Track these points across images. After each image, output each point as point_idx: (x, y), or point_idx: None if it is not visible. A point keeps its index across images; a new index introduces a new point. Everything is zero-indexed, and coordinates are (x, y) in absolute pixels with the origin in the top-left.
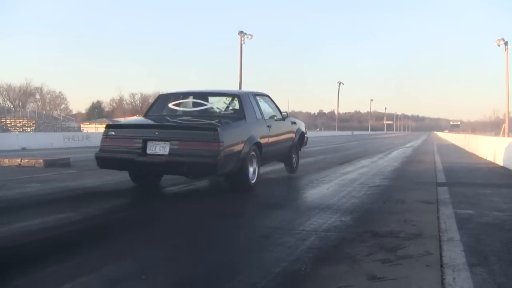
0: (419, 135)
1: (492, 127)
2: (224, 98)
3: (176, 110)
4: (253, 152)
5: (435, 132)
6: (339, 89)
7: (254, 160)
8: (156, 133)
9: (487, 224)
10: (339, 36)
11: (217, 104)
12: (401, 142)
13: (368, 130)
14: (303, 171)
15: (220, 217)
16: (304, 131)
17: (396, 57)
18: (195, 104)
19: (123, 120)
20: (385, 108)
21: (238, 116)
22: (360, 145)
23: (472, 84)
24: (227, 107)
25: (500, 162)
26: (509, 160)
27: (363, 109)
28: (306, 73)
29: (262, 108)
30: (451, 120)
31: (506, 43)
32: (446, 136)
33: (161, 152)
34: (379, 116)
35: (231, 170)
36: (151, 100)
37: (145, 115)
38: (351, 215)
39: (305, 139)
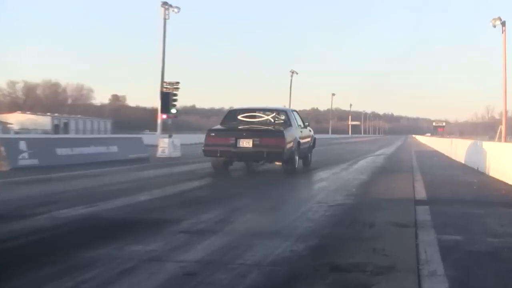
0: (393, 140)
1: (486, 129)
2: (274, 112)
3: (245, 121)
4: (296, 147)
5: (413, 135)
6: (291, 80)
7: (296, 152)
8: (244, 134)
9: (478, 253)
10: (295, 18)
11: (269, 116)
12: (370, 149)
13: (328, 132)
14: (244, 187)
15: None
16: (315, 136)
17: (365, 44)
18: (256, 117)
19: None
20: (351, 105)
21: (287, 124)
22: (319, 152)
23: (461, 77)
24: (277, 118)
25: (502, 176)
26: None
27: (323, 106)
28: (253, 60)
29: (296, 119)
30: (434, 121)
31: (503, 23)
32: (427, 140)
33: (247, 145)
34: (342, 115)
35: (288, 157)
36: (38, 91)
37: (222, 123)
38: (305, 243)
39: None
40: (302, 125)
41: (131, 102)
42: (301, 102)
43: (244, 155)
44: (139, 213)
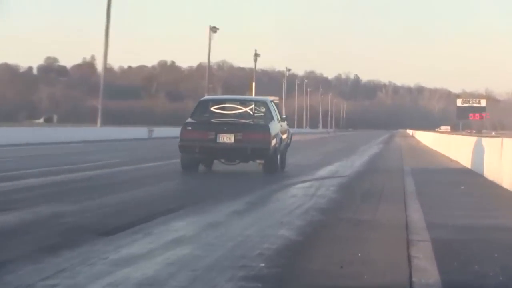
0: (357, 146)
1: None
2: (253, 104)
3: (220, 113)
4: (279, 144)
5: (410, 131)
6: (210, 38)
7: (278, 151)
8: (225, 128)
9: None
10: None
11: (247, 108)
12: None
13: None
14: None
15: None
16: (292, 131)
17: None
18: (232, 108)
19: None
20: (287, 71)
21: (268, 117)
22: None
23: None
24: (256, 110)
25: None
26: None
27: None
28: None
29: (276, 111)
30: (458, 96)
31: None
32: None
33: (228, 141)
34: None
35: (271, 156)
36: None
37: (193, 116)
38: None
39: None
40: (280, 118)
41: None
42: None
43: (225, 151)
44: None
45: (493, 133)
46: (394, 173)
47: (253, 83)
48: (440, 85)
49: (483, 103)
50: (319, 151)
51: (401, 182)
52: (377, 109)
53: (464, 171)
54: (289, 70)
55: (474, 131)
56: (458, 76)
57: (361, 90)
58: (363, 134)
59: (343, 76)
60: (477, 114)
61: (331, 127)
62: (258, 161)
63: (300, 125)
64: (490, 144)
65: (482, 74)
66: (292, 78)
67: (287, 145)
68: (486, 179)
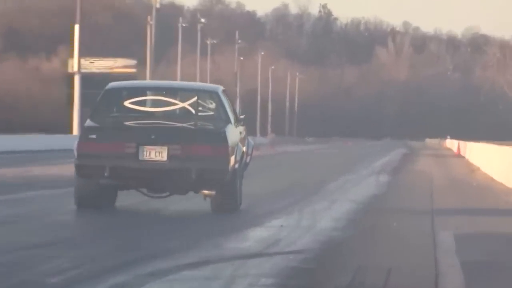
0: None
1: None
2: (195, 95)
3: (141, 111)
4: (239, 162)
5: (451, 143)
6: None
7: (239, 172)
8: (153, 136)
9: None
10: None
11: (188, 101)
12: None
13: None
14: None
15: None
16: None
17: None
18: (162, 103)
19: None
20: None
21: (222, 118)
22: None
23: None
24: (202, 106)
25: None
26: None
27: None
28: None
29: (230, 107)
30: None
31: None
32: None
33: (157, 158)
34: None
35: (229, 182)
36: None
37: (93, 117)
38: None
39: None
40: (236, 119)
41: None
42: None
43: (153, 175)
44: None
45: None
46: None
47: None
48: None
49: None
50: None
51: None
52: (375, 90)
53: None
54: None
55: None
56: None
57: (340, 40)
58: (350, 152)
59: (297, 11)
60: None
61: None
62: (206, 192)
63: None
64: None
65: None
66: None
67: (246, 166)
68: None
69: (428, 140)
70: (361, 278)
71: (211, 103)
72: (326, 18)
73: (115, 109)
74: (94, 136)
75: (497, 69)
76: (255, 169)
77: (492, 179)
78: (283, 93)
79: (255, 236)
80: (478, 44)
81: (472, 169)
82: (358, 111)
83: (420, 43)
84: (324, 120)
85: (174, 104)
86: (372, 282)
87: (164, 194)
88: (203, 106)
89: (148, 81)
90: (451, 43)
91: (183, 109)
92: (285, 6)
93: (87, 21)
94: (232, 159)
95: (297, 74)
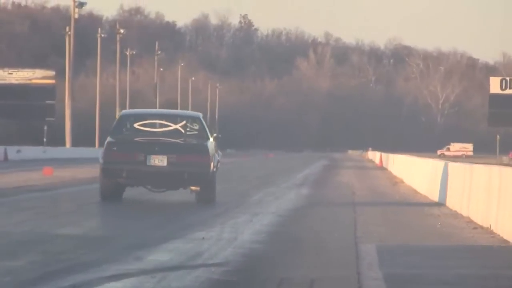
0: None
1: None
2: (184, 120)
3: (146, 131)
4: (216, 168)
5: (373, 155)
6: None
7: (215, 175)
8: (156, 148)
9: None
10: None
11: (178, 125)
12: None
13: None
14: None
15: None
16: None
17: None
18: (161, 125)
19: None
20: None
21: (203, 135)
22: None
23: None
24: (189, 127)
25: None
26: None
27: None
28: None
29: (208, 128)
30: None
31: None
32: None
33: (160, 164)
34: None
35: (209, 181)
36: None
37: (113, 135)
38: None
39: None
40: (213, 137)
41: None
42: None
43: (157, 176)
44: None
45: None
46: None
47: None
48: (452, 46)
49: None
50: None
51: None
52: (298, 99)
53: None
54: None
55: None
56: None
57: (261, 51)
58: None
59: (217, 22)
60: None
61: None
62: (193, 187)
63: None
64: None
65: None
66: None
67: (217, 170)
68: None
69: (350, 152)
70: None
71: (195, 125)
72: (246, 28)
73: (128, 129)
74: (115, 148)
75: (420, 80)
76: None
77: (416, 192)
78: (204, 104)
79: (177, 249)
80: (400, 55)
81: (395, 181)
82: (279, 123)
83: (342, 54)
84: (245, 132)
85: (169, 126)
86: None
87: (162, 190)
88: (190, 128)
89: (150, 110)
90: (374, 54)
91: (176, 129)
92: (205, 16)
93: (3, 30)
94: (212, 164)
95: (218, 85)
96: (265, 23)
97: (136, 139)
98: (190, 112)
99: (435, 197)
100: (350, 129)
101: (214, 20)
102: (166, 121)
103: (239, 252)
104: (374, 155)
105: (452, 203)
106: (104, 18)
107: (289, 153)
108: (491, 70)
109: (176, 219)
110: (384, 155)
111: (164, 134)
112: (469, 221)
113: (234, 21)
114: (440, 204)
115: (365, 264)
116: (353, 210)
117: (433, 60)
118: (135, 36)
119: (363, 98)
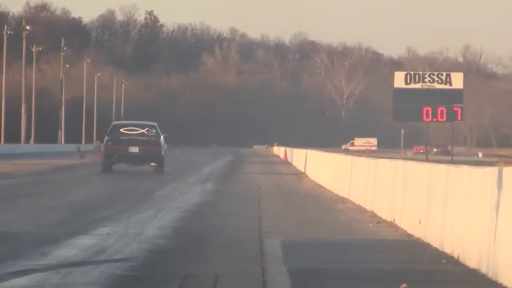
0: None
1: None
2: (146, 126)
3: (128, 133)
4: (165, 154)
5: (279, 150)
6: None
7: (164, 158)
8: (133, 143)
9: None
10: None
11: (143, 130)
12: None
13: None
14: None
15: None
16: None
17: None
18: (135, 130)
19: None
20: None
21: (157, 136)
22: None
23: None
24: (150, 131)
25: None
26: None
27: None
28: None
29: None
30: (397, 61)
31: None
32: None
33: (135, 151)
34: None
35: (161, 161)
36: None
37: (109, 135)
38: None
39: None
40: (162, 136)
41: None
42: None
43: (133, 157)
44: None
45: (480, 154)
46: None
47: None
48: (357, 41)
49: (457, 80)
50: None
51: None
52: (203, 98)
53: None
54: None
55: (440, 150)
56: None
57: (166, 47)
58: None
59: (123, 18)
60: (442, 110)
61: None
62: (152, 163)
63: None
64: None
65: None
66: None
67: (164, 152)
68: None
69: (256, 147)
70: (188, 286)
71: (153, 130)
72: (152, 25)
73: (116, 132)
74: (110, 143)
75: (324, 75)
76: (82, 179)
77: (320, 186)
78: (109, 100)
79: (82, 244)
80: (306, 50)
81: (299, 176)
82: (186, 119)
83: (248, 49)
84: None
85: (139, 130)
86: None
87: (136, 165)
88: (150, 131)
89: (129, 121)
90: (279, 49)
91: (143, 132)
92: (111, 12)
93: None
94: (162, 151)
95: (123, 81)
96: (171, 19)
97: (121, 137)
98: (150, 123)
99: (339, 191)
100: (256, 124)
101: (120, 16)
102: (138, 128)
103: (144, 247)
104: (279, 150)
105: (356, 197)
106: (10, 14)
107: (197, 149)
108: (396, 64)
109: (82, 215)
110: (288, 150)
111: (136, 135)
112: (373, 215)
113: (140, 17)
114: (345, 198)
115: (270, 259)
116: (258, 205)
117: (338, 55)
118: (42, 33)
119: (269, 93)
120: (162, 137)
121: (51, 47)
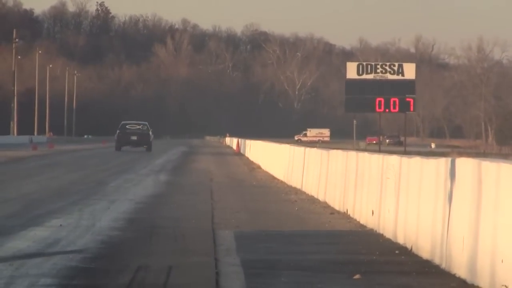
0: None
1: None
2: (141, 124)
3: (131, 128)
4: (152, 140)
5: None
6: None
7: (151, 143)
8: (134, 133)
9: None
10: None
11: (139, 126)
12: None
13: None
14: None
15: None
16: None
17: None
18: (134, 126)
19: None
20: None
21: (148, 129)
22: None
23: None
24: (143, 127)
25: None
26: None
27: None
28: None
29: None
30: (349, 52)
31: None
32: None
33: (135, 138)
34: None
35: (150, 144)
36: None
37: (120, 129)
38: None
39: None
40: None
41: None
42: None
43: (133, 142)
44: None
45: (433, 145)
46: None
47: None
48: (309, 32)
49: (409, 71)
50: None
51: None
52: (157, 89)
53: None
54: None
55: (392, 141)
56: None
57: (118, 38)
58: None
59: (75, 10)
60: (394, 101)
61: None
62: (144, 146)
63: None
64: None
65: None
66: None
67: (152, 140)
68: None
69: (208, 138)
70: (142, 278)
71: (145, 126)
72: (103, 16)
73: (123, 127)
74: (120, 134)
75: (277, 66)
76: (34, 170)
77: (273, 177)
78: (62, 92)
79: (35, 236)
80: (257, 41)
81: (252, 167)
82: (138, 110)
83: (200, 41)
84: (105, 119)
85: (138, 126)
86: (153, 281)
87: (136, 148)
88: (144, 126)
89: (131, 121)
90: (231, 40)
91: (140, 127)
92: (63, 4)
93: None
94: (151, 139)
95: (75, 72)
96: (122, 10)
97: (127, 131)
98: (143, 122)
99: (292, 182)
100: (209, 116)
101: (71, 8)
102: (136, 125)
103: (97, 239)
104: (231, 141)
105: (309, 188)
106: None
107: None
108: (348, 55)
109: (35, 207)
110: (241, 141)
111: (135, 129)
112: (326, 206)
113: (92, 8)
114: (298, 189)
115: (223, 250)
116: (211, 196)
117: (290, 46)
118: None
119: (221, 84)
120: (150, 131)
121: (3, 39)
